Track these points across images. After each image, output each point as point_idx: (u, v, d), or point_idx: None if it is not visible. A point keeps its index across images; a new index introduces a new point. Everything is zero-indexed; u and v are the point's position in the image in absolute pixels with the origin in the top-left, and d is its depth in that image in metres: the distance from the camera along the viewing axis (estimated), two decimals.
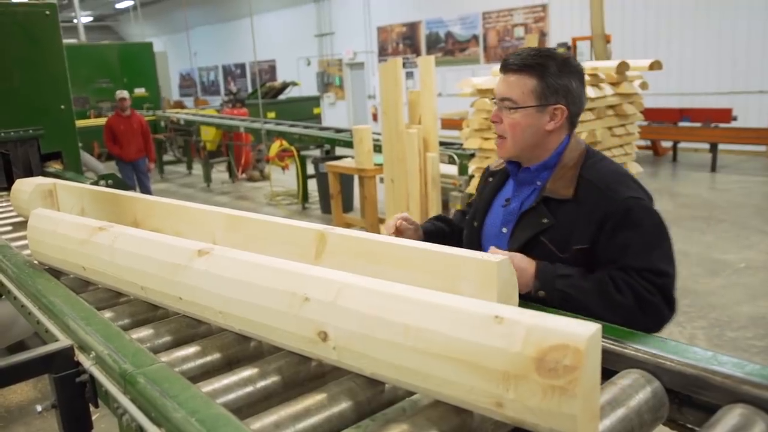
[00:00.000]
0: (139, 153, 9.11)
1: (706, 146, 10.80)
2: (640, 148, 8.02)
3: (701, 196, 8.75)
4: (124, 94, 9.09)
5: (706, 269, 5.84)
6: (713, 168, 10.35)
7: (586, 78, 5.19)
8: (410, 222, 1.89)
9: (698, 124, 10.87)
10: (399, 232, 1.84)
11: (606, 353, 1.13)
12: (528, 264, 1.60)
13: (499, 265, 1.21)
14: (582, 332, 0.85)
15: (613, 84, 5.54)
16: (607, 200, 1.60)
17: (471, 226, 1.89)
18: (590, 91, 5.24)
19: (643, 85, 5.73)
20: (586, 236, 1.61)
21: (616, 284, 1.55)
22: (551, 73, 1.66)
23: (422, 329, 0.97)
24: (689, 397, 1.15)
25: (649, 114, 9.46)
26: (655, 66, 5.43)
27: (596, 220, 1.59)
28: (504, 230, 1.77)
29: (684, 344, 1.21)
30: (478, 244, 1.85)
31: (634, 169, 5.98)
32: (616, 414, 1.05)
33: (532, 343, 0.87)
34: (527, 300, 1.53)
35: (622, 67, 5.40)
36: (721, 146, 10.54)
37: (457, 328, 0.94)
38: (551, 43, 14.11)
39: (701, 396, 1.13)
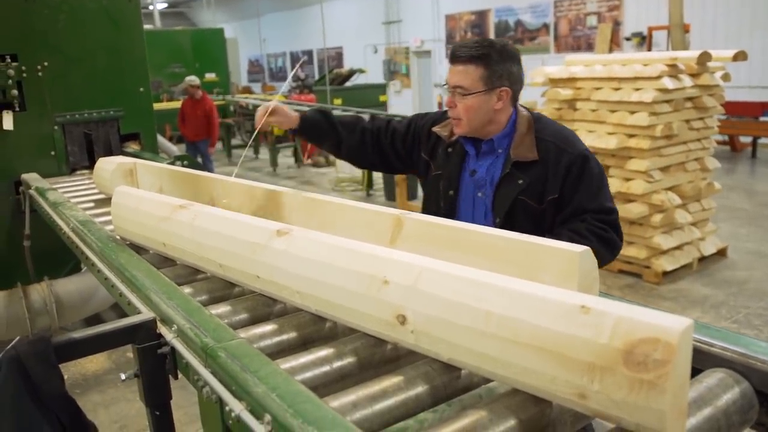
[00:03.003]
0: (198, 135, 9.45)
1: None
2: (717, 143, 7.71)
3: None
4: (191, 81, 9.53)
5: None
6: None
7: (665, 68, 5.04)
8: (281, 114, 2.22)
9: None
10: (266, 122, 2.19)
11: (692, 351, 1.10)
12: None
13: (581, 255, 1.19)
14: (674, 326, 0.83)
15: (693, 75, 5.33)
16: (567, 155, 1.91)
17: (447, 195, 2.09)
18: (668, 82, 5.06)
19: (726, 77, 5.50)
20: (556, 187, 1.91)
21: (581, 234, 1.82)
22: (494, 60, 1.91)
23: (505, 317, 0.96)
24: None
25: (728, 108, 9.06)
26: (740, 57, 5.20)
27: (561, 172, 1.90)
28: (480, 194, 2.03)
29: None
30: (455, 211, 2.08)
31: (712, 164, 5.75)
32: (702, 413, 1.01)
33: (621, 335, 0.85)
34: None
35: (704, 57, 5.19)
36: None
37: (541, 317, 0.92)
38: (625, 32, 13.67)
39: None
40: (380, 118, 2.34)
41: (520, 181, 1.93)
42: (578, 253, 1.18)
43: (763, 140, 11.07)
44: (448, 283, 1.05)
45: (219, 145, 14.80)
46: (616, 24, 13.74)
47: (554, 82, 5.87)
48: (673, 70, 5.18)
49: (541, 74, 6.04)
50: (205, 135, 9.58)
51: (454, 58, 1.95)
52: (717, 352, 1.17)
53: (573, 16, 15.05)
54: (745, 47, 6.19)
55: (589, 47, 14.13)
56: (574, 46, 14.92)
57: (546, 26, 15.64)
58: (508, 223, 1.92)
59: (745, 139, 11.36)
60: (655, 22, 11.91)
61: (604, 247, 1.84)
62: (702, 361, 1.17)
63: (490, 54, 1.91)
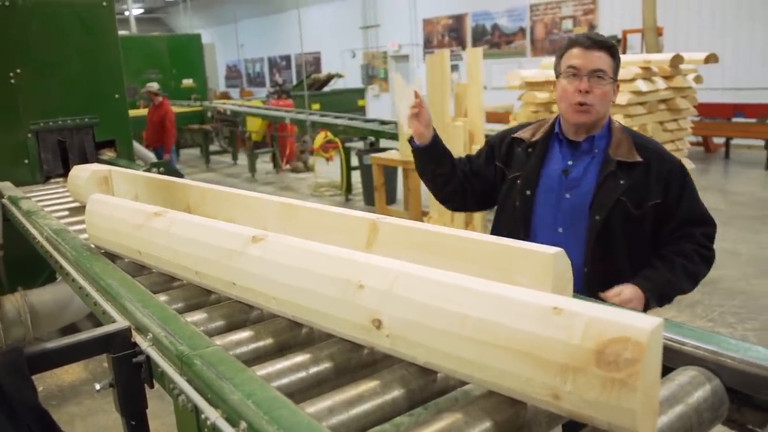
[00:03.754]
0: (156, 141, 9.56)
1: (761, 143, 10.43)
2: (691, 144, 7.82)
3: (754, 195, 8.48)
4: (149, 87, 9.81)
5: (759, 270, 5.67)
6: None
7: (638, 71, 5.09)
8: (423, 122, 2.05)
9: (753, 120, 10.52)
10: (419, 114, 2.03)
11: (664, 350, 1.11)
12: (635, 290, 1.82)
13: (555, 257, 1.20)
14: (644, 325, 0.84)
15: (666, 78, 5.40)
16: (667, 162, 1.93)
17: (524, 194, 2.03)
18: (642, 85, 5.13)
19: (698, 79, 5.58)
20: (658, 192, 1.90)
21: (692, 260, 1.88)
22: (617, 54, 1.93)
23: (480, 319, 0.96)
24: (750, 397, 1.12)
25: (701, 109, 9.17)
26: (711, 59, 5.28)
27: (663, 178, 1.90)
28: (568, 195, 1.97)
29: (746, 342, 1.18)
30: (531, 211, 2.03)
31: (686, 165, 5.83)
32: (674, 411, 1.03)
33: (592, 336, 0.86)
34: None
35: (677, 60, 5.26)
36: None
37: (515, 319, 0.93)
38: None
39: (763, 396, 1.10)
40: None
41: (622, 182, 1.90)
42: (552, 255, 1.19)
43: (735, 141, 11.24)
44: (424, 287, 1.05)
45: (197, 152, 14.78)
46: (591, 27, 13.91)
47: (531, 85, 5.91)
48: (647, 73, 5.24)
49: (518, 78, 6.07)
50: (162, 141, 9.60)
51: (588, 44, 1.90)
52: (689, 350, 1.19)
53: (549, 20, 15.19)
54: (717, 50, 6.29)
55: None
56: (551, 50, 15.05)
57: (522, 30, 15.77)
58: (605, 225, 1.91)
59: (719, 140, 11.54)
60: (629, 26, 12.05)
61: (707, 267, 1.93)
62: (674, 359, 1.18)
63: (615, 47, 1.93)
